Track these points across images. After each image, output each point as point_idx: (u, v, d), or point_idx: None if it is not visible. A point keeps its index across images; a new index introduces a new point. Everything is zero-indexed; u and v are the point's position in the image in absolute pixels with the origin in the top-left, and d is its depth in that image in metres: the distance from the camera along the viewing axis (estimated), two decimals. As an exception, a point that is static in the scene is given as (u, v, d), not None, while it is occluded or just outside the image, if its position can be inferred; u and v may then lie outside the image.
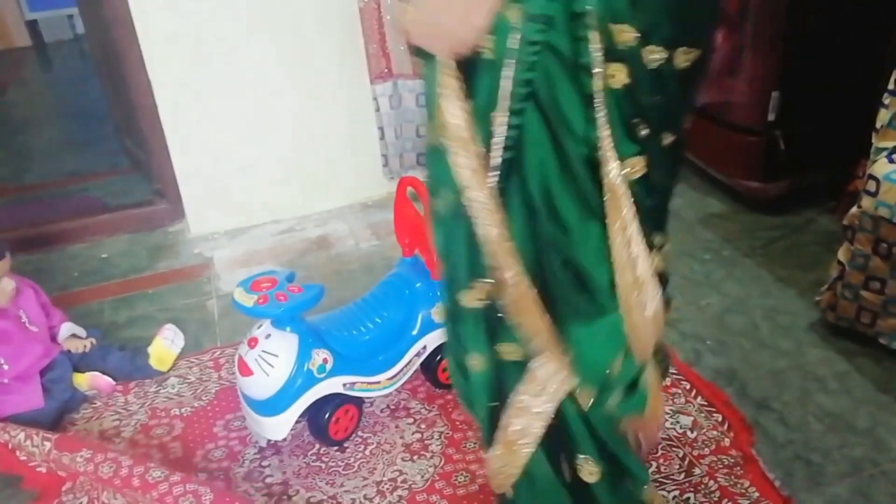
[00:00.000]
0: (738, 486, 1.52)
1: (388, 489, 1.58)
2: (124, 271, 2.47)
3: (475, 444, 1.67)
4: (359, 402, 1.72)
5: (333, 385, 1.63)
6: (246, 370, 1.58)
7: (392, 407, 1.80)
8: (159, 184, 2.69)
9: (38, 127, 3.91)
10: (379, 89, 2.55)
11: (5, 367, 1.76)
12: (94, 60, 3.30)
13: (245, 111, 2.52)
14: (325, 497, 1.57)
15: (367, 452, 1.68)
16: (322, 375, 1.61)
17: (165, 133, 2.50)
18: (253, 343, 1.58)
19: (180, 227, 2.70)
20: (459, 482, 1.58)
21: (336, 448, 1.69)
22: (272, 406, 1.58)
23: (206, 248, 2.57)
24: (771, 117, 2.35)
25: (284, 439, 1.66)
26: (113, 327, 2.18)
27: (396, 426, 1.74)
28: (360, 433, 1.73)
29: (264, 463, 1.67)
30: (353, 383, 1.67)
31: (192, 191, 2.60)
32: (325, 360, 1.61)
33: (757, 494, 1.49)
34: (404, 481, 1.59)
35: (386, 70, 2.54)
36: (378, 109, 2.59)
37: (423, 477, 1.60)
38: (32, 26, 5.22)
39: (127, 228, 2.70)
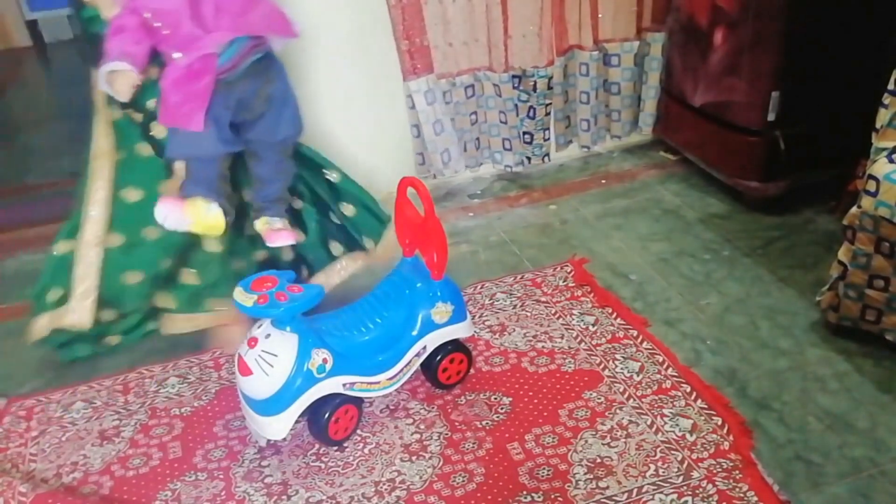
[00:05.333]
0: (737, 490, 1.51)
1: (386, 489, 1.58)
2: (124, 271, 2.46)
3: (474, 444, 1.67)
4: (358, 402, 1.72)
5: (333, 385, 1.63)
6: (245, 370, 1.58)
7: (391, 407, 1.80)
8: (159, 184, 2.68)
9: (39, 127, 3.90)
10: (413, 86, 2.55)
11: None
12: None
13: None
14: (324, 497, 1.57)
15: (365, 452, 1.68)
16: (322, 375, 1.61)
17: (165, 133, 2.49)
18: (253, 343, 1.58)
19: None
20: (457, 483, 1.58)
21: (335, 448, 1.69)
22: (272, 406, 1.58)
23: (206, 249, 2.56)
24: (771, 117, 2.35)
25: (284, 439, 1.66)
26: (112, 328, 2.18)
27: (395, 426, 1.74)
28: (359, 433, 1.73)
29: (264, 463, 1.67)
30: (353, 383, 1.67)
31: (191, 191, 2.60)
32: (324, 360, 1.61)
33: (756, 499, 1.49)
34: (403, 482, 1.59)
35: (418, 66, 2.53)
36: (413, 107, 2.59)
37: (421, 478, 1.60)
38: (32, 26, 5.21)
39: (127, 229, 2.69)
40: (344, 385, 1.65)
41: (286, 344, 1.57)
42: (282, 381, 1.57)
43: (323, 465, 1.66)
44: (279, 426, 1.60)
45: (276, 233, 1.91)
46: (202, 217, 1.77)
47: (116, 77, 1.59)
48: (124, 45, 1.58)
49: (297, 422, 1.63)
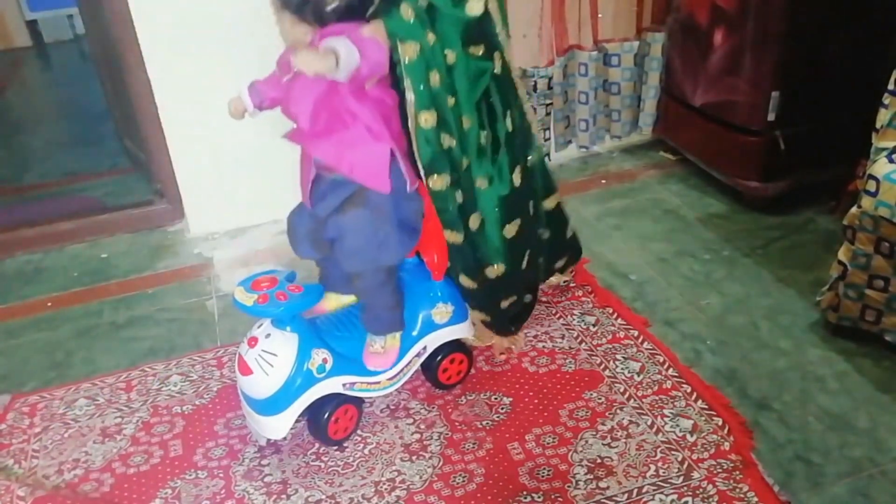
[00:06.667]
0: (737, 490, 1.51)
1: (386, 489, 1.58)
2: (124, 271, 2.47)
3: (474, 444, 1.67)
4: (358, 402, 1.72)
5: (333, 385, 1.63)
6: (246, 369, 1.58)
7: (392, 407, 1.80)
8: (159, 183, 2.69)
9: (38, 127, 3.90)
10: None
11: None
12: (94, 60, 3.29)
13: (245, 111, 2.52)
14: (323, 496, 1.57)
15: (366, 452, 1.68)
16: (322, 375, 1.61)
17: (165, 133, 2.49)
18: (253, 342, 1.58)
19: (180, 226, 2.70)
20: (458, 483, 1.58)
21: (335, 448, 1.69)
22: (272, 405, 1.58)
23: (206, 248, 2.56)
24: (771, 117, 2.35)
25: (284, 438, 1.66)
26: (113, 328, 2.18)
27: (396, 426, 1.74)
28: (359, 433, 1.73)
29: (264, 462, 1.67)
30: (353, 383, 1.67)
31: (191, 190, 2.60)
32: (324, 360, 1.61)
33: (756, 499, 1.49)
34: (403, 482, 1.59)
35: None
36: None
37: (421, 478, 1.60)
38: (32, 26, 5.21)
39: (127, 228, 2.69)
40: (344, 385, 1.65)
41: (286, 344, 1.57)
42: (282, 380, 1.57)
43: (323, 465, 1.66)
44: (279, 425, 1.60)
45: (372, 356, 1.70)
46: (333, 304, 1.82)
47: (235, 100, 1.65)
48: (266, 81, 1.65)
49: (297, 421, 1.63)
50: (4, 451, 1.75)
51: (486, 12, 1.55)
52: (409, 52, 1.49)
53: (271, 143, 2.60)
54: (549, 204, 1.92)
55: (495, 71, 1.61)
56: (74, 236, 2.66)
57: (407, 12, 1.47)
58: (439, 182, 1.61)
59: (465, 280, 1.75)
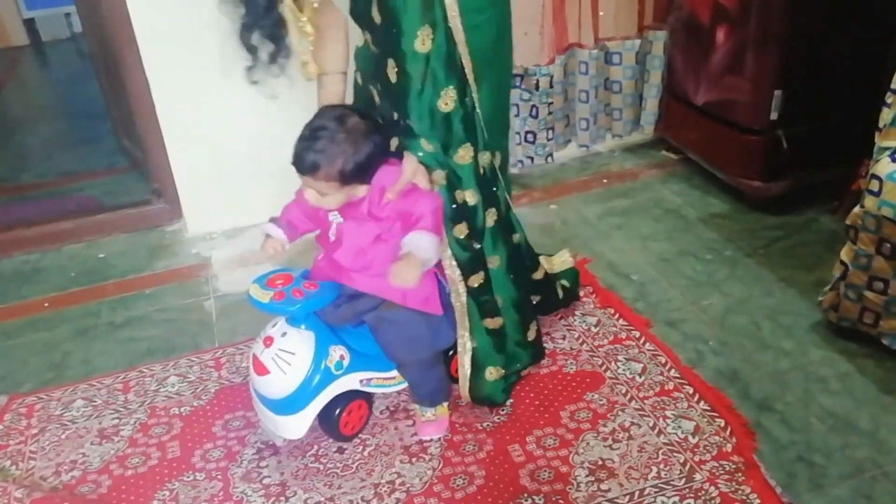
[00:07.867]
0: (739, 492, 1.50)
1: (385, 492, 1.57)
2: (122, 271, 2.46)
3: (475, 446, 1.66)
4: (369, 398, 1.72)
5: (350, 382, 1.63)
6: (262, 369, 1.56)
7: (391, 409, 1.78)
8: (157, 183, 2.68)
9: (36, 126, 3.89)
10: None
11: None
12: (91, 59, 3.28)
13: (243, 110, 2.50)
14: (322, 499, 1.56)
15: (365, 454, 1.67)
16: (339, 372, 1.60)
17: (163, 132, 2.48)
18: (269, 342, 1.56)
19: (178, 226, 2.68)
20: (458, 485, 1.57)
21: (335, 450, 1.68)
22: (290, 404, 1.57)
23: (204, 248, 2.55)
24: (773, 116, 2.34)
25: (283, 440, 1.65)
26: (110, 328, 2.17)
27: (395, 428, 1.73)
28: (359, 434, 1.71)
29: (262, 464, 1.66)
30: (370, 379, 1.66)
31: (190, 190, 2.59)
32: (342, 357, 1.60)
33: (758, 501, 1.48)
34: (402, 484, 1.58)
35: None
36: None
37: (421, 480, 1.59)
38: (30, 25, 5.19)
39: (124, 228, 2.68)
40: (360, 381, 1.65)
41: (303, 342, 1.56)
42: (300, 379, 1.55)
43: (321, 467, 1.64)
44: (298, 425, 1.59)
45: (425, 425, 1.70)
46: None
47: (271, 241, 1.65)
48: (291, 211, 1.66)
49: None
50: (2, 452, 1.74)
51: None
52: (437, 179, 1.57)
53: (269, 143, 2.59)
54: (536, 276, 1.91)
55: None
56: (72, 236, 2.65)
57: (427, 145, 1.55)
58: (476, 280, 1.66)
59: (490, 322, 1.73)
